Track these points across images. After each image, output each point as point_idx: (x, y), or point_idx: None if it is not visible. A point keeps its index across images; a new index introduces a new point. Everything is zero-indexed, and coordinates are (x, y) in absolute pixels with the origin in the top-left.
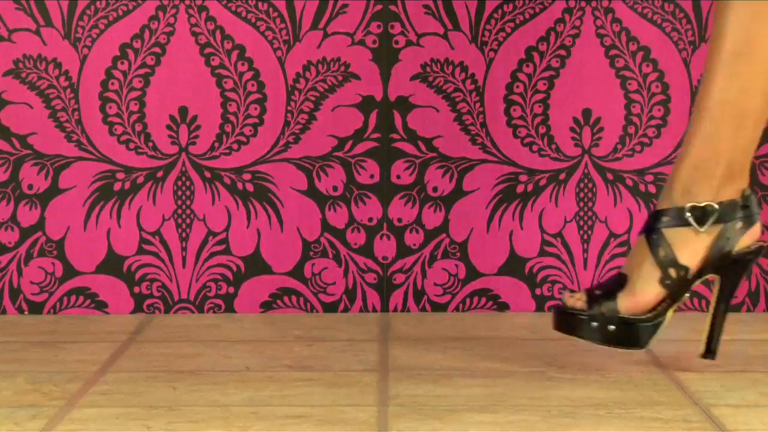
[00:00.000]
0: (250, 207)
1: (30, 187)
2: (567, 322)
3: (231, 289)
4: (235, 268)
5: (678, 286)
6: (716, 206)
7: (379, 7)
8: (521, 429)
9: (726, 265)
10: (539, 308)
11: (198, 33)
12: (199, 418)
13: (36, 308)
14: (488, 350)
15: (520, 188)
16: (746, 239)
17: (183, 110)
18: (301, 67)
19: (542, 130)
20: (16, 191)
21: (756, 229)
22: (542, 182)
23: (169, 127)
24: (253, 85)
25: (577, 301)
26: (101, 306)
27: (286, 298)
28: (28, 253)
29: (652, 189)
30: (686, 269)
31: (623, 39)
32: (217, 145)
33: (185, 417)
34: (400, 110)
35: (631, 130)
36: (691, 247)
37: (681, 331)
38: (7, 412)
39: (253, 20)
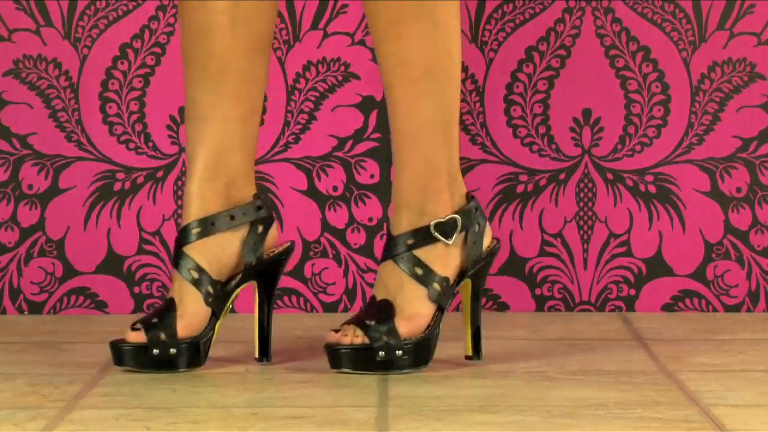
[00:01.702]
0: None
1: (30, 187)
2: (357, 359)
3: None
4: None
5: (446, 296)
6: (458, 218)
7: None
8: (521, 429)
9: (477, 269)
10: (539, 308)
11: None
12: (199, 419)
13: (36, 308)
14: (488, 350)
15: (520, 188)
16: (486, 240)
17: (183, 110)
18: (301, 67)
19: (542, 130)
20: (16, 191)
21: (489, 228)
22: (542, 182)
23: (169, 127)
24: None
25: (355, 337)
26: (101, 306)
27: (286, 298)
28: (28, 253)
29: (652, 189)
30: (447, 280)
31: (623, 39)
32: None
33: (185, 418)
34: None
35: (631, 130)
36: (445, 260)
37: (681, 331)
38: (7, 413)
39: None
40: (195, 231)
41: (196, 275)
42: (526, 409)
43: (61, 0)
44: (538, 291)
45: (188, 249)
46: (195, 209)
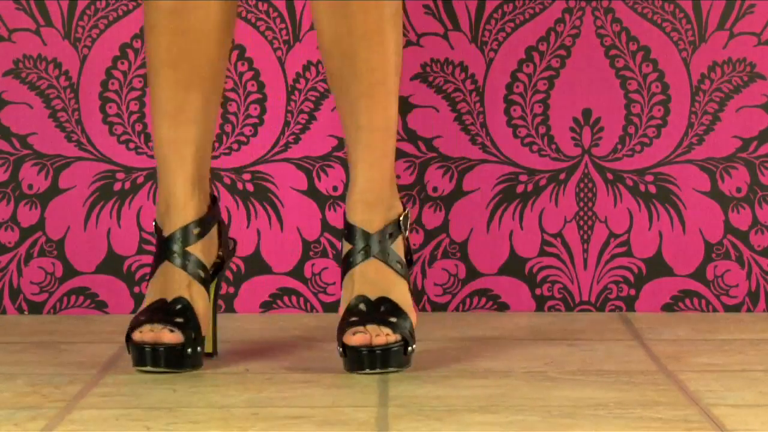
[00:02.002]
0: (250, 207)
1: (30, 187)
2: (394, 357)
3: (231, 289)
4: (235, 268)
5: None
6: (408, 209)
7: None
8: (521, 429)
9: None
10: (539, 308)
11: None
12: (199, 419)
13: (36, 308)
14: (488, 350)
15: (520, 188)
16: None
17: None
18: (301, 67)
19: (542, 130)
20: (16, 191)
21: None
22: (542, 182)
23: None
24: (253, 85)
25: (387, 336)
26: (101, 306)
27: (286, 298)
28: (28, 253)
29: (652, 189)
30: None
31: (623, 39)
32: (217, 145)
33: (185, 418)
34: (401, 110)
35: (631, 130)
36: (404, 251)
37: (681, 331)
38: (7, 413)
39: (253, 20)
40: (196, 231)
41: (202, 275)
42: (526, 409)
43: (61, 0)
44: (538, 291)
45: (192, 249)
46: (192, 210)
